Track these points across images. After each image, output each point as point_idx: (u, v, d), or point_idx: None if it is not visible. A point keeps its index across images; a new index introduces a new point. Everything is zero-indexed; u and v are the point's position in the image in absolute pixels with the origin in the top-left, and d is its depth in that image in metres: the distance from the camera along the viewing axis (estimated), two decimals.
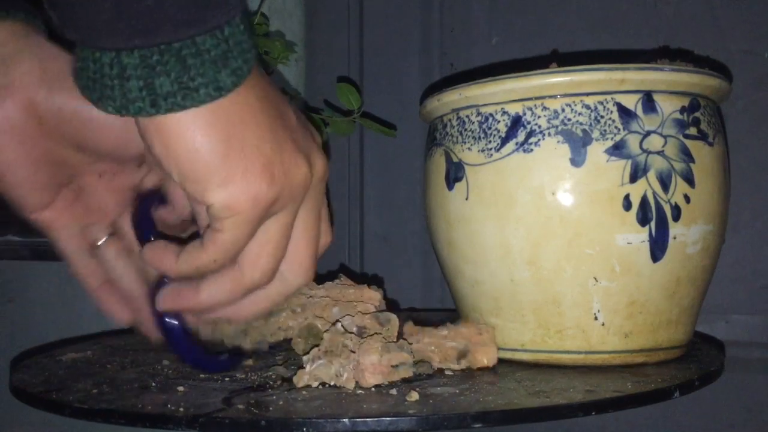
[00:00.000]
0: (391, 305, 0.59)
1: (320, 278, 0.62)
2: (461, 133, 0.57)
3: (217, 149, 0.38)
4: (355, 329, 0.51)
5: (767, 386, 0.78)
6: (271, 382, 0.51)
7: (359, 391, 0.48)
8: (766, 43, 0.77)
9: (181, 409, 0.44)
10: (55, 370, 0.59)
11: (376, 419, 0.42)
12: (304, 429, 0.41)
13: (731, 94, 0.59)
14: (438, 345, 0.55)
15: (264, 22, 0.74)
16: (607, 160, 0.52)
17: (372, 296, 0.58)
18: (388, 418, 0.41)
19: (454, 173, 0.57)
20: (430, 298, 0.91)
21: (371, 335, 0.50)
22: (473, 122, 0.56)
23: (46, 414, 0.51)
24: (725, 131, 0.60)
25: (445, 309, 0.87)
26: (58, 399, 0.48)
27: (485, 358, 0.54)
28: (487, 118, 0.55)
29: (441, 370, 0.54)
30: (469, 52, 0.88)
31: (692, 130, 0.54)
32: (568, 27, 0.84)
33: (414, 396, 0.46)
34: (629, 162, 0.52)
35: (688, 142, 0.54)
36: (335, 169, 0.94)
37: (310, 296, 0.58)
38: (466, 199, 0.56)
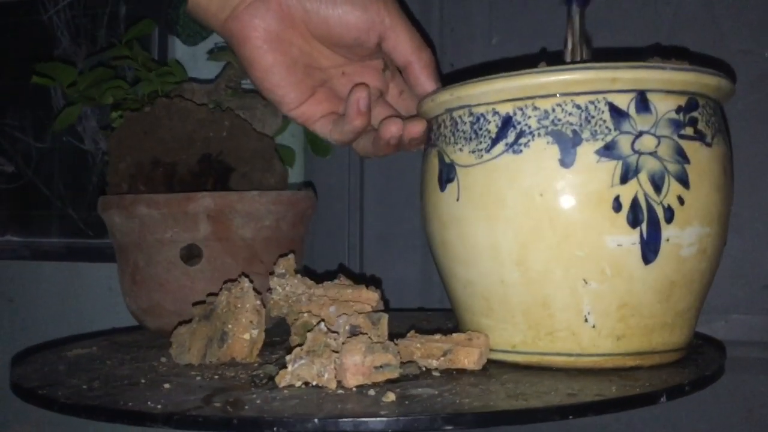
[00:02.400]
0: (383, 306, 0.60)
1: (319, 278, 0.62)
2: (453, 134, 0.56)
3: None
4: (348, 328, 0.52)
5: (767, 386, 0.77)
6: (258, 381, 0.52)
7: (339, 392, 0.48)
8: (766, 43, 0.76)
9: (159, 407, 0.45)
10: (56, 365, 0.60)
11: (346, 419, 0.42)
12: (275, 428, 0.42)
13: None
14: (423, 343, 0.55)
15: None
16: (597, 161, 0.51)
17: (370, 297, 0.58)
18: (358, 419, 0.42)
19: (446, 174, 0.57)
20: (430, 299, 0.90)
21: (358, 335, 0.51)
22: (465, 123, 0.55)
23: (46, 411, 0.53)
24: (728, 131, 0.58)
25: (444, 309, 0.86)
26: (48, 394, 0.49)
27: (467, 359, 0.54)
28: (478, 119, 0.55)
29: (428, 372, 0.54)
30: (468, 52, 0.88)
31: (688, 130, 0.53)
32: None
33: (390, 397, 0.45)
34: (620, 163, 0.51)
35: (683, 143, 0.53)
36: (335, 169, 0.94)
37: (308, 294, 0.59)
38: (457, 200, 0.56)
